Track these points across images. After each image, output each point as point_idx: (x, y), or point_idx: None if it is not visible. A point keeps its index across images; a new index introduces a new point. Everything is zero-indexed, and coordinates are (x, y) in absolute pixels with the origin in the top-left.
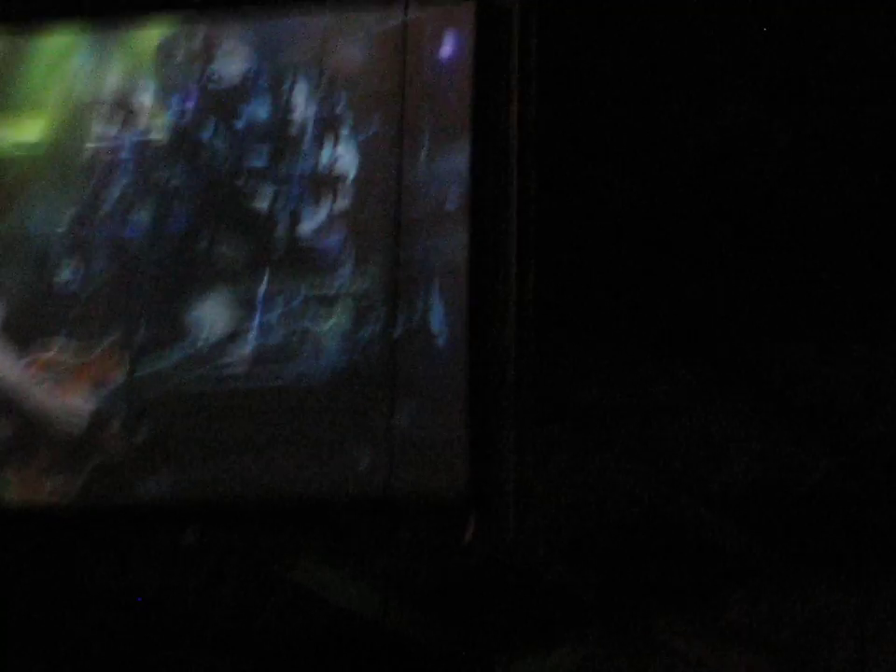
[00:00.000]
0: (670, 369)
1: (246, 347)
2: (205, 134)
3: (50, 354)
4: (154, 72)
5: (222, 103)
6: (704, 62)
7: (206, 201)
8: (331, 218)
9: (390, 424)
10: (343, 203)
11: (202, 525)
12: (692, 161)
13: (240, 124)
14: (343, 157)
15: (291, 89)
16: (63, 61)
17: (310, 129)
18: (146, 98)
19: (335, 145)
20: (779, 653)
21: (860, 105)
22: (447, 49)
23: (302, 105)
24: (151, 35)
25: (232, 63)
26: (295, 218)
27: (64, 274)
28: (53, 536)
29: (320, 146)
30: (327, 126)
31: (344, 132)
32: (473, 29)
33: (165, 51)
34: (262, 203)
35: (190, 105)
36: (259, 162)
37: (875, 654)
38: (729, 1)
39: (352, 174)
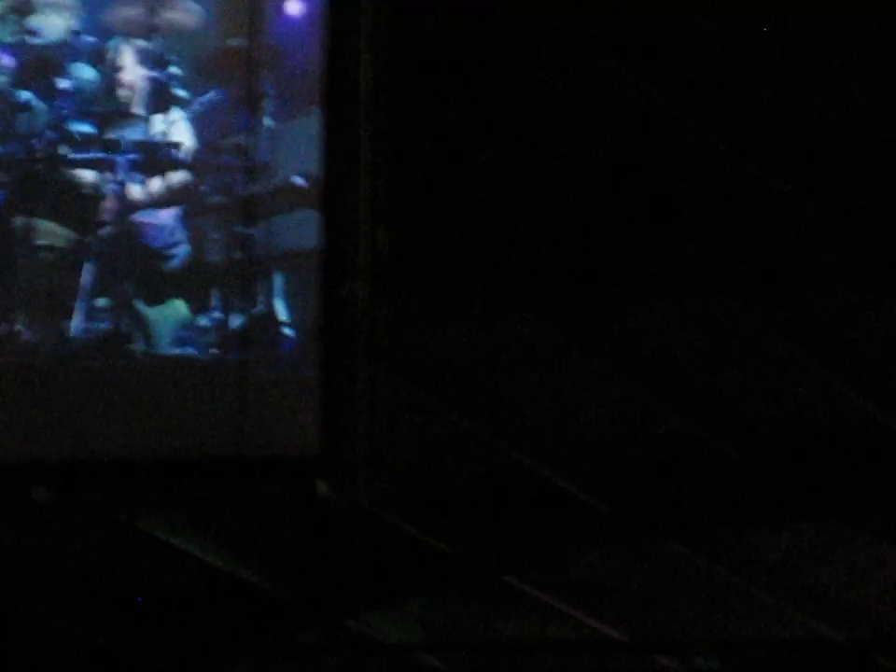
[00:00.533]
0: (525, 324)
1: (75, 330)
2: (24, 95)
3: None
4: None
5: (44, 61)
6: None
7: (26, 169)
8: (167, 192)
9: (241, 384)
10: (178, 175)
11: (53, 484)
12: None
13: (63, 85)
14: (178, 123)
15: (119, 47)
16: None
17: (141, 92)
18: None
19: (168, 110)
20: (627, 608)
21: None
22: (296, 5)
23: (132, 65)
24: None
25: (55, 16)
26: (124, 191)
27: None
28: None
29: (153, 110)
30: (159, 89)
31: (179, 94)
32: None
33: None
34: (88, 174)
35: (7, 61)
36: (84, 128)
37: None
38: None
39: (188, 142)
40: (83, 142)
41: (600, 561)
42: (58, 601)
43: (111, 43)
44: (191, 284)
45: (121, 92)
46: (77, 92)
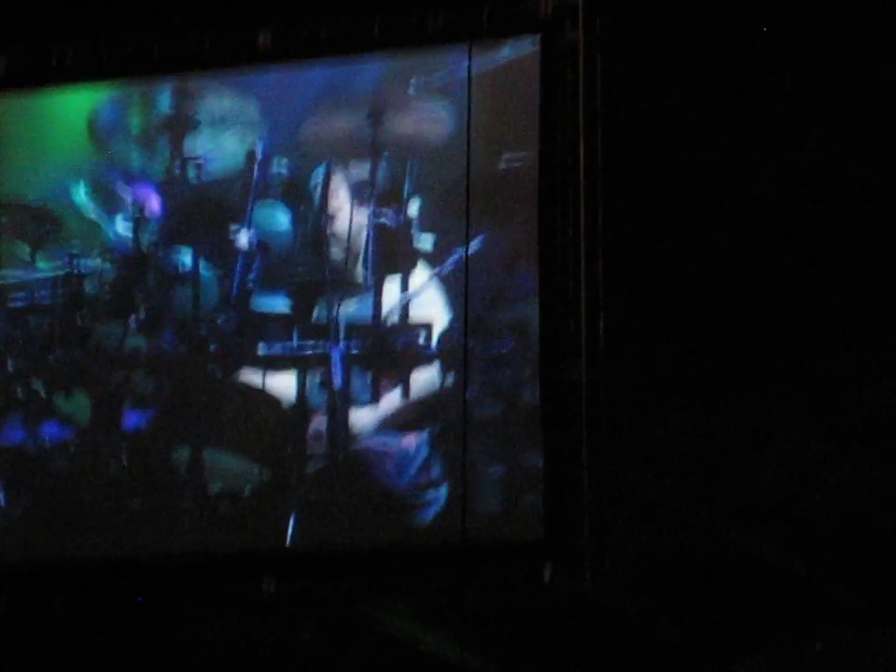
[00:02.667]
0: (749, 401)
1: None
2: (183, 259)
3: None
4: None
5: (212, 203)
6: (769, 90)
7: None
8: (407, 404)
9: (464, 468)
10: (425, 373)
11: (279, 575)
12: (758, 181)
13: (242, 240)
14: (421, 293)
15: (327, 177)
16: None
17: (362, 245)
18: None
19: (406, 273)
20: None
21: None
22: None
23: (345, 203)
24: None
25: (227, 136)
26: (343, 402)
27: None
28: (135, 590)
29: (381, 274)
30: (390, 239)
31: (422, 247)
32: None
33: None
34: (282, 380)
35: (156, 206)
36: (276, 305)
37: None
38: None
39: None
40: (274, 328)
41: (833, 647)
42: None
43: (316, 173)
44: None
45: (332, 249)
46: (263, 250)
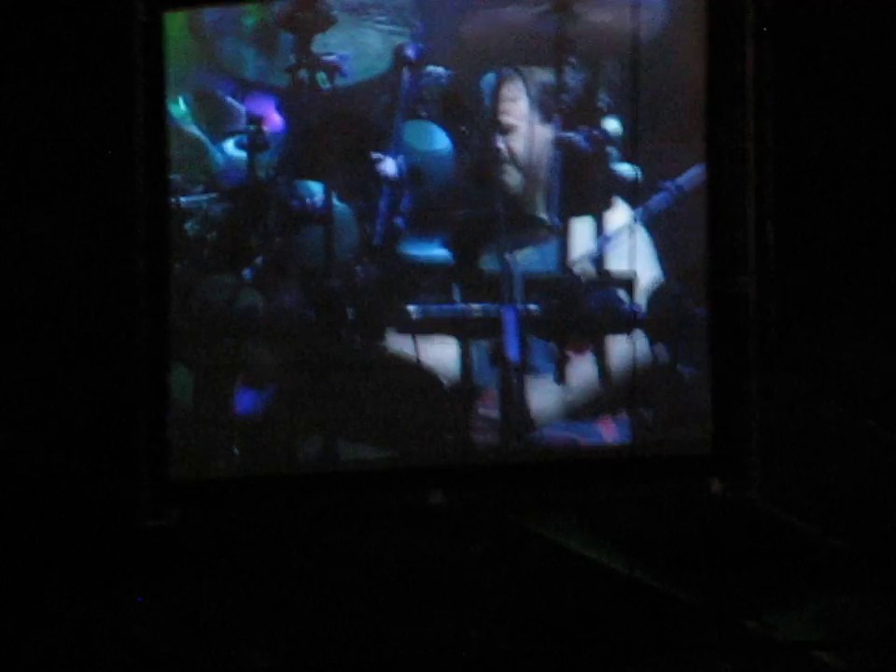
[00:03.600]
0: None
1: None
2: (310, 186)
3: None
4: None
5: (344, 120)
6: None
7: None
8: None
9: (632, 381)
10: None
11: (448, 486)
12: None
13: (390, 167)
14: (625, 235)
15: (500, 85)
16: None
17: (544, 173)
18: None
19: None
20: None
21: None
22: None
23: (523, 119)
24: None
25: (369, 32)
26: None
27: None
28: (296, 501)
29: (570, 210)
30: (583, 165)
31: (624, 175)
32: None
33: None
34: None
35: (277, 121)
36: (432, 249)
37: None
38: None
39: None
40: (429, 282)
41: None
42: (451, 604)
43: (483, 81)
44: None
45: (505, 180)
46: (415, 181)
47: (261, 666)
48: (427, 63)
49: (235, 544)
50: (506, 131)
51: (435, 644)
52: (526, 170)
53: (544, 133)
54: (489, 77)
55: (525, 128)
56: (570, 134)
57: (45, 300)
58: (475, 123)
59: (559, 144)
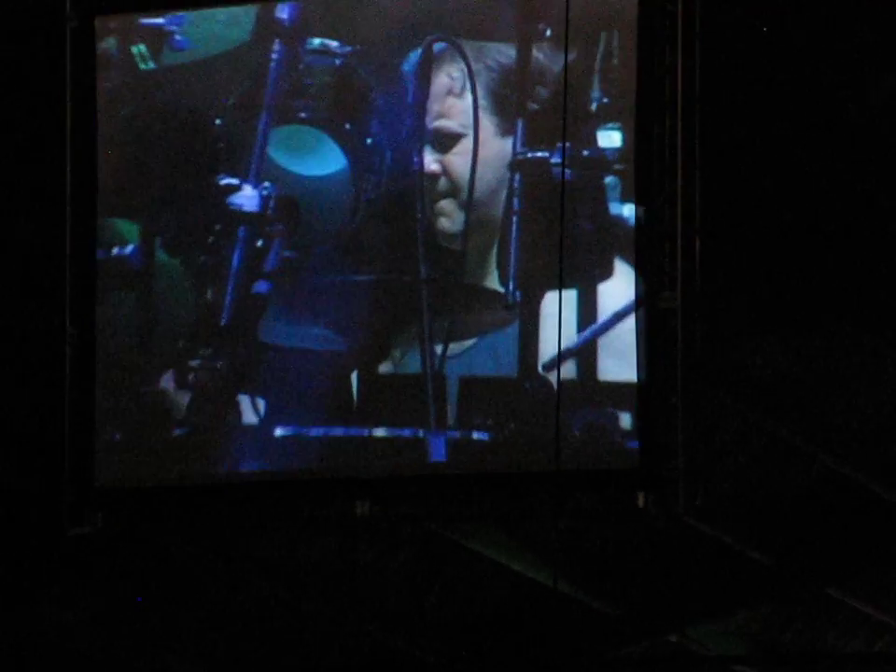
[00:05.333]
0: (841, 332)
1: None
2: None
3: None
4: None
5: None
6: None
7: None
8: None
9: (558, 393)
10: None
11: (373, 498)
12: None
13: None
14: None
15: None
16: None
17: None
18: None
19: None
20: None
21: None
22: None
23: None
24: None
25: None
26: None
27: None
28: (230, 510)
29: None
30: None
31: None
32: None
33: None
34: None
35: None
36: None
37: None
38: None
39: None
40: (303, 384)
41: None
42: (376, 611)
43: (408, 60)
44: None
45: (439, 218)
46: (286, 220)
47: None
48: (312, 33)
49: (160, 551)
50: (440, 144)
51: (359, 651)
52: (471, 209)
53: (500, 148)
54: (413, 57)
55: (468, 141)
56: (540, 153)
57: None
58: (388, 131)
59: (521, 165)
